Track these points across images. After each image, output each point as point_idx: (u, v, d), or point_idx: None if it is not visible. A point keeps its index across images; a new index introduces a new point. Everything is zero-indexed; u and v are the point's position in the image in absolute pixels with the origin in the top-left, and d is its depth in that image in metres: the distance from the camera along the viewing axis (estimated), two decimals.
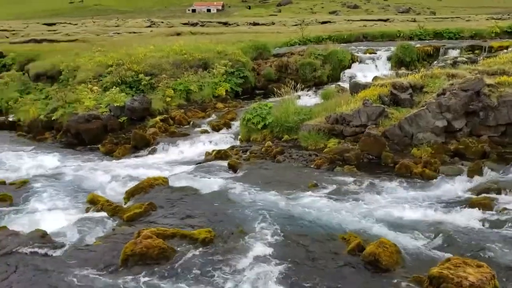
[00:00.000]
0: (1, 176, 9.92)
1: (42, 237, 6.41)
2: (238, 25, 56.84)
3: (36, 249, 6.11)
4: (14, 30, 49.94)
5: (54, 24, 67.63)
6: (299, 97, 13.68)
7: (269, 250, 6.06)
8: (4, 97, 17.29)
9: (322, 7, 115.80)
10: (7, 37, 40.11)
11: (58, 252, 6.13)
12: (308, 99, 14.99)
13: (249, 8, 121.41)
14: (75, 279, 5.44)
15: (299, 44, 22.80)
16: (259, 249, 6.11)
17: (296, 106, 11.69)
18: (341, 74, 18.74)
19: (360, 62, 19.26)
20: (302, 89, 13.64)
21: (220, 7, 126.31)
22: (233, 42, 21.41)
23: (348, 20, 55.35)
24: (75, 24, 64.63)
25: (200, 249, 6.10)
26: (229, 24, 59.19)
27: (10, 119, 15.75)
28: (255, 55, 19.50)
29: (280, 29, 38.65)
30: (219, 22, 63.93)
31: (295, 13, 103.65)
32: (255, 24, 57.46)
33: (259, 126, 11.41)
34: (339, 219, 6.85)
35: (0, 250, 6.02)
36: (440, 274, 4.93)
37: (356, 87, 11.83)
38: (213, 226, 6.68)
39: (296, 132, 10.91)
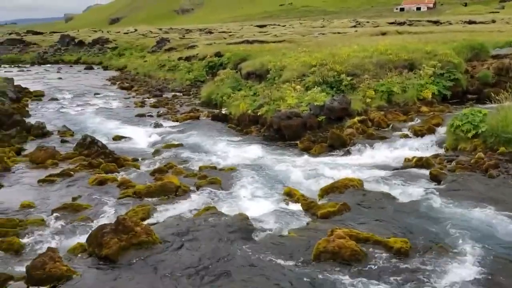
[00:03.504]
0: (213, 161, 11.15)
1: (244, 221, 6.92)
2: (450, 23, 52.86)
3: (237, 231, 6.62)
4: (231, 32, 56.18)
5: (265, 26, 73.67)
6: None
7: (470, 274, 5.41)
8: (220, 92, 19.42)
9: None
10: (225, 38, 45.26)
11: (256, 237, 6.56)
12: None
13: (465, 5, 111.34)
14: (270, 265, 5.72)
15: None
16: (459, 270, 5.50)
17: None
18: None
19: None
20: None
21: (431, 5, 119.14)
22: (444, 41, 19.83)
23: None
24: (283, 26, 69.16)
25: (394, 258, 5.78)
26: (440, 23, 55.41)
27: (223, 112, 17.59)
28: (469, 56, 17.63)
29: (502, 28, 34.47)
30: (429, 21, 60.37)
31: None
32: (470, 22, 52.50)
33: (470, 135, 10.28)
34: None
35: (208, 228, 6.71)
36: None
37: None
38: (408, 236, 6.25)
39: None
